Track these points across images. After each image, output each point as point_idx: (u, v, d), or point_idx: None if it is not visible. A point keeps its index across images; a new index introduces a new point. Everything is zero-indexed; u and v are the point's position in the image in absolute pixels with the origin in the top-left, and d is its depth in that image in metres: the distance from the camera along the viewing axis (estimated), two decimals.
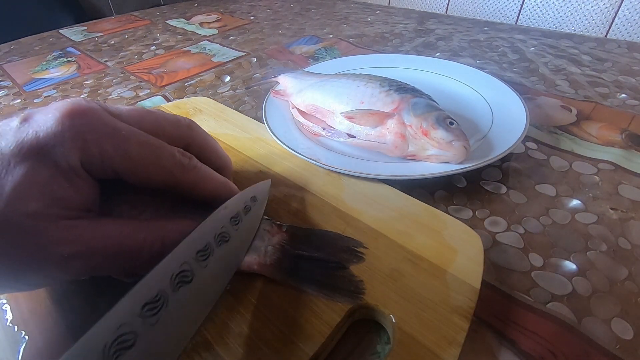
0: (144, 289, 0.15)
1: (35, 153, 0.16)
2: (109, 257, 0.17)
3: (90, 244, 0.17)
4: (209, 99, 0.43)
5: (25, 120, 0.17)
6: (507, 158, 0.34)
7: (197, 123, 0.24)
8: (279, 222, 0.23)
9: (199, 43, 0.69)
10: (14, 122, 0.17)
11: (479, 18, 0.76)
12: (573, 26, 0.65)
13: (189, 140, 0.22)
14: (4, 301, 0.21)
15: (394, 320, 0.19)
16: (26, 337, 0.20)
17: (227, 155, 0.25)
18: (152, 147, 0.19)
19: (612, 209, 0.29)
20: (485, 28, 0.69)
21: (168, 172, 0.20)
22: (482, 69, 0.45)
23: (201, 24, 0.81)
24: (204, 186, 0.21)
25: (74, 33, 0.80)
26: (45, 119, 0.17)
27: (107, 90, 0.53)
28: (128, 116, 0.20)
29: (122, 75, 0.58)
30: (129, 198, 0.21)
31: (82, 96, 0.51)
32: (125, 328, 0.14)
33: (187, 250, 0.17)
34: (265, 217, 0.24)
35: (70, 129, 0.17)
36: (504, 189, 0.31)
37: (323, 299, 0.20)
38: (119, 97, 0.51)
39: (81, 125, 0.18)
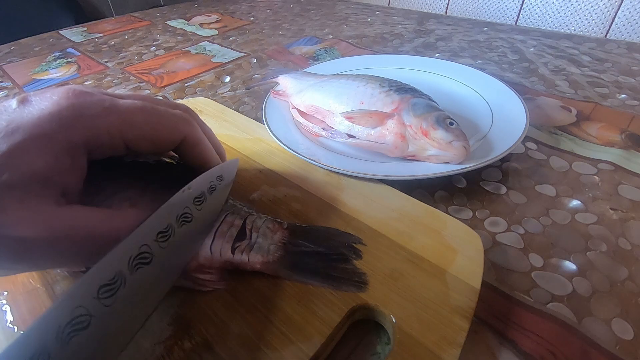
0: (101, 271, 0.15)
1: (25, 130, 0.17)
2: (76, 245, 0.16)
3: (53, 228, 0.16)
4: (209, 99, 0.43)
5: (22, 102, 0.18)
6: (507, 158, 0.34)
7: None
8: (279, 220, 0.24)
9: (199, 44, 0.69)
10: (12, 103, 0.18)
11: (478, 18, 0.76)
12: (573, 26, 0.66)
13: None
14: (4, 302, 0.21)
15: (394, 321, 0.19)
16: None
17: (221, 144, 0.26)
18: (153, 110, 0.21)
19: (612, 209, 0.29)
20: (485, 28, 0.69)
21: (174, 129, 0.21)
22: (482, 69, 0.45)
23: (201, 25, 0.81)
24: (205, 149, 0.23)
25: (74, 34, 0.80)
26: (41, 101, 0.18)
27: (107, 91, 0.53)
28: (126, 99, 0.21)
29: (122, 75, 0.58)
30: (120, 190, 0.21)
31: None
32: (80, 310, 0.14)
33: (147, 232, 0.17)
34: (266, 215, 0.24)
35: (67, 108, 0.18)
36: (503, 190, 0.31)
37: (329, 289, 0.20)
38: None
39: (79, 104, 0.18)
